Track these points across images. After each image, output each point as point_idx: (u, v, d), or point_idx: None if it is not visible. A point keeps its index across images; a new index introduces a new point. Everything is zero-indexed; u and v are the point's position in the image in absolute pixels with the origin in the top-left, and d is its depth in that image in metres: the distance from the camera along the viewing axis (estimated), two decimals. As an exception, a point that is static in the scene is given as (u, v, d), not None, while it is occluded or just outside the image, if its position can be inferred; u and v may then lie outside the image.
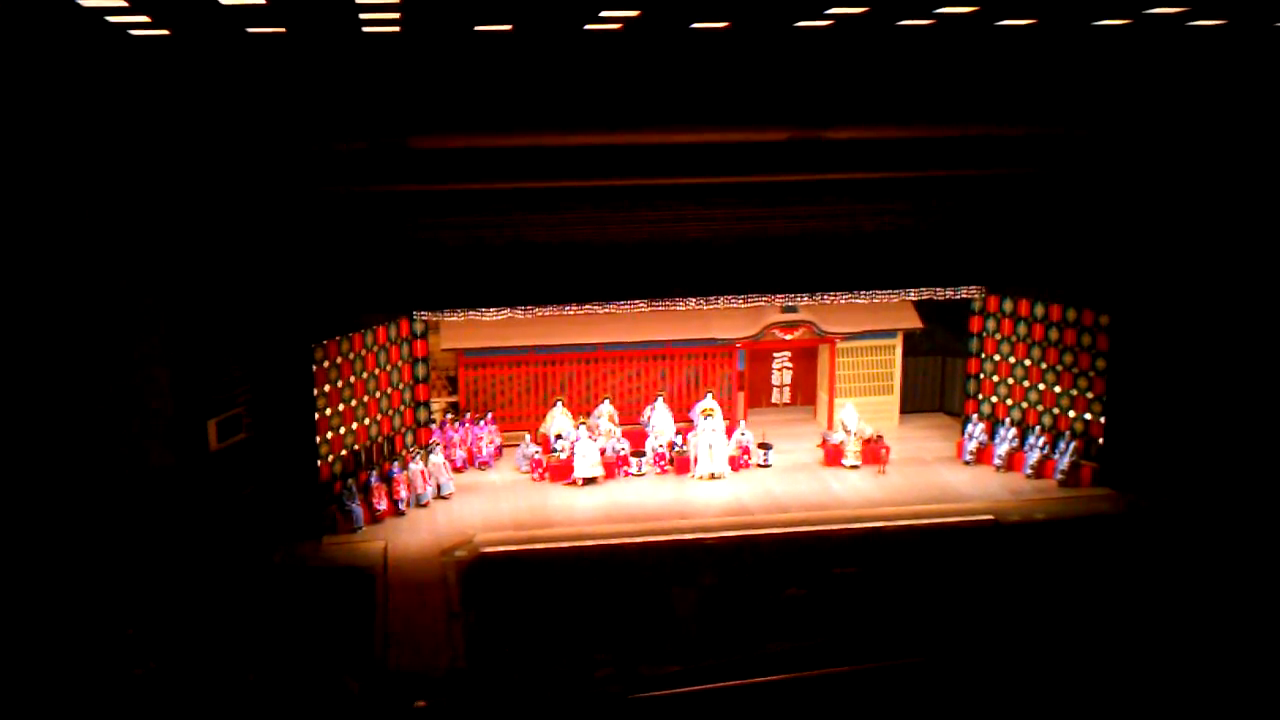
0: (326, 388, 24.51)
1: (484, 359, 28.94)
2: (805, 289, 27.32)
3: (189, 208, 21.18)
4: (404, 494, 25.53)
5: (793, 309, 28.73)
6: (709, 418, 27.76)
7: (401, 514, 25.38)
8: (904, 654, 19.52)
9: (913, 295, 28.31)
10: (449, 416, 28.53)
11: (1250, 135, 22.87)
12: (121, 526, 20.73)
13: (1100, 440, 26.66)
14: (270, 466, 23.35)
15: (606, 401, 28.56)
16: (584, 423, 27.86)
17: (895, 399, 30.70)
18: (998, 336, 28.54)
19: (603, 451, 27.34)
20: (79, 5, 13.97)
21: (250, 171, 21.44)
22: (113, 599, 20.02)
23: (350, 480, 24.85)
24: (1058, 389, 27.43)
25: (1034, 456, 27.33)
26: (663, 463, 27.90)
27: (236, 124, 20.09)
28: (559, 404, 28.42)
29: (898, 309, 29.54)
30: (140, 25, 15.77)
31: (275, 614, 20.64)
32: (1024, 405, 28.17)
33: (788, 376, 31.21)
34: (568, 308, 26.73)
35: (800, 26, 17.37)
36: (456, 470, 27.35)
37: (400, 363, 26.77)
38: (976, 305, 28.73)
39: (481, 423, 28.34)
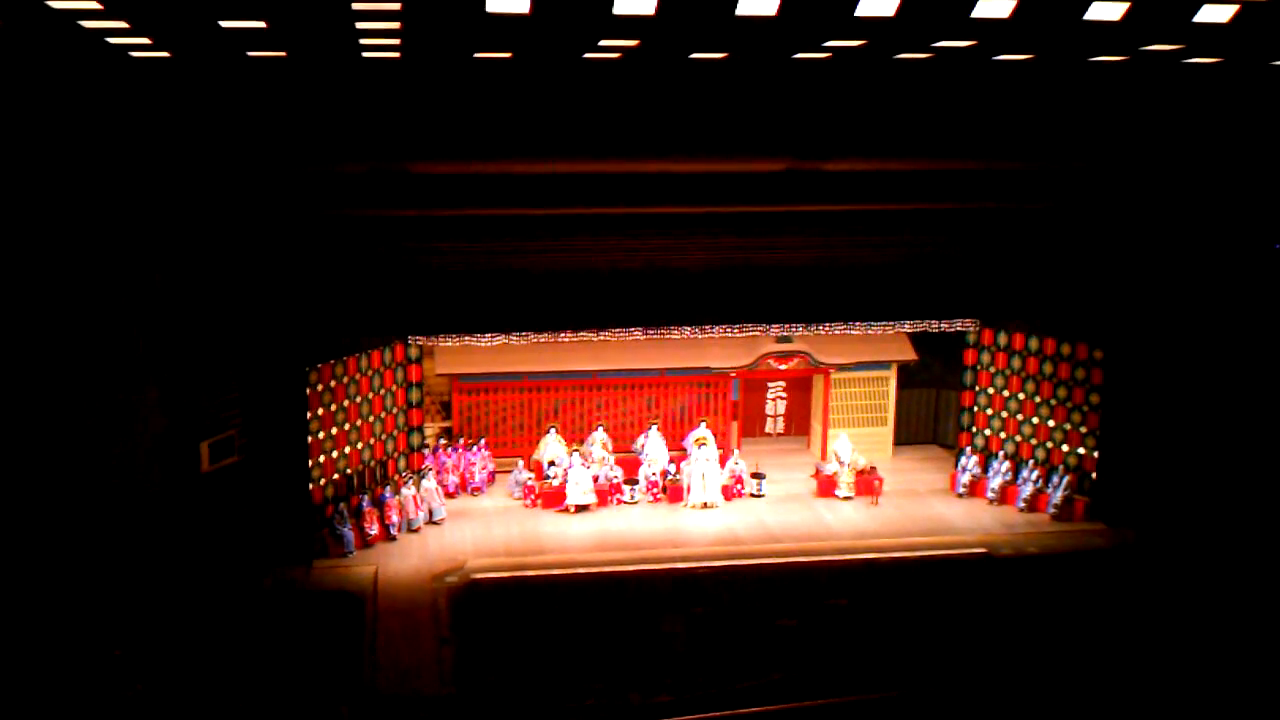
0: (320, 411, 24.50)
1: (478, 384, 28.91)
2: (800, 319, 27.34)
3: (186, 229, 21.19)
4: (396, 519, 25.46)
5: (788, 339, 28.78)
6: (702, 447, 27.75)
7: (393, 539, 25.30)
8: (895, 686, 19.48)
9: (908, 327, 28.35)
10: (442, 441, 28.49)
11: (1245, 172, 22.97)
12: (111, 547, 20.66)
13: (1093, 475, 26.67)
14: (262, 489, 23.28)
15: (600, 429, 28.54)
16: (577, 450, 27.84)
17: (889, 430, 30.70)
18: (992, 369, 28.58)
19: (596, 479, 27.31)
20: (80, 27, 14.01)
21: (248, 194, 21.46)
22: (102, 619, 19.94)
23: (342, 504, 24.80)
24: (1051, 423, 27.45)
25: (1027, 490, 27.32)
26: (655, 491, 27.87)
27: (235, 146, 20.12)
28: (552, 430, 28.39)
29: (892, 341, 29.59)
30: (141, 48, 15.80)
31: (265, 638, 20.56)
32: (1018, 438, 28.18)
33: (782, 406, 31.22)
34: (563, 335, 26.76)
35: (799, 58, 17.44)
36: (449, 496, 27.31)
37: (394, 387, 26.77)
38: (971, 338, 28.77)
39: (475, 448, 28.31)
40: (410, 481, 26.10)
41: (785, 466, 29.68)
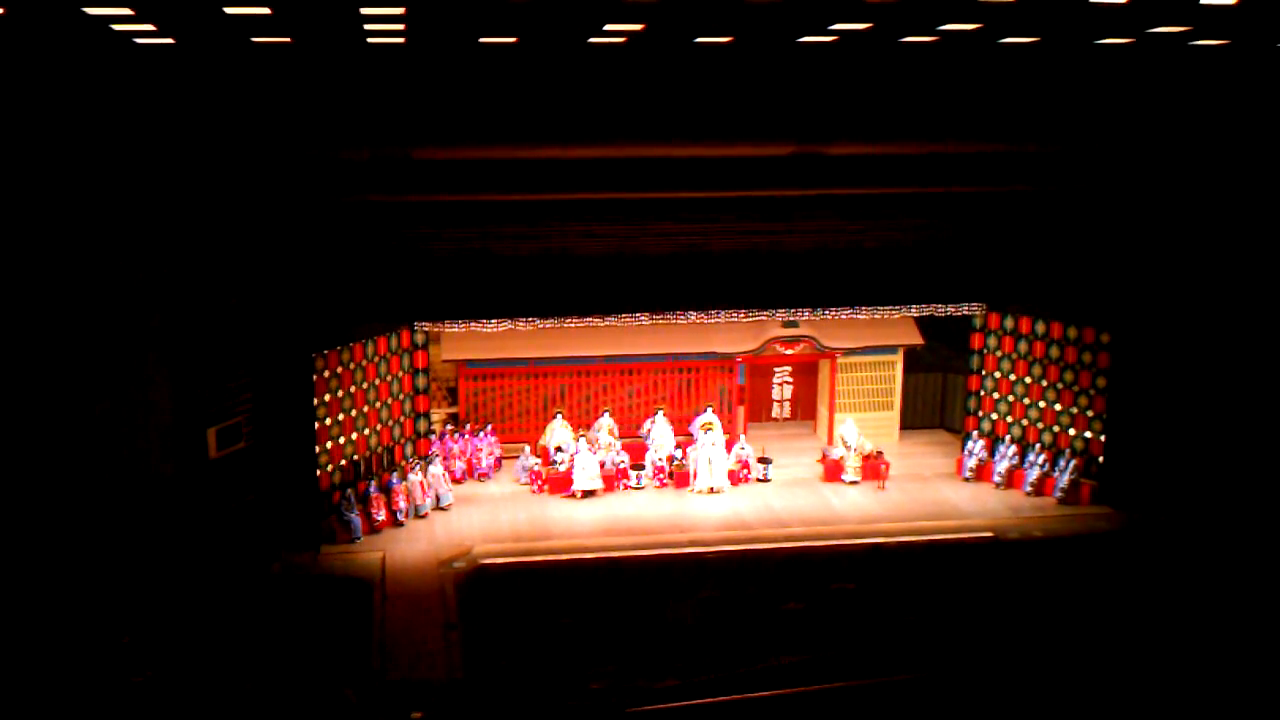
0: (327, 397, 24.53)
1: (484, 370, 28.94)
2: (807, 304, 27.33)
3: (192, 216, 21.21)
4: (403, 505, 25.51)
5: (794, 324, 28.76)
6: (709, 432, 27.77)
7: (400, 525, 25.36)
8: (902, 670, 19.51)
9: (914, 311, 28.33)
10: (449, 428, 28.52)
11: (1251, 154, 22.91)
12: (120, 534, 20.71)
13: (1100, 458, 26.66)
14: (269, 476, 23.34)
15: (606, 414, 28.57)
16: (584, 435, 27.86)
17: (895, 415, 30.70)
18: (999, 353, 28.55)
19: (602, 464, 27.33)
20: (84, 13, 14.00)
21: (253, 181, 21.46)
22: (110, 606, 20.00)
23: (349, 490, 24.83)
24: (1058, 406, 27.43)
25: (1034, 474, 27.32)
26: (662, 476, 27.90)
27: (240, 133, 20.11)
28: (559, 416, 28.42)
29: (899, 325, 29.56)
30: (145, 34, 15.80)
31: (273, 624, 20.62)
32: (1024, 422, 28.17)
33: (788, 391, 31.22)
34: (568, 320, 26.77)
35: (804, 42, 17.40)
36: (455, 481, 27.35)
37: (400, 373, 26.79)
38: (978, 322, 28.74)
39: (481, 434, 28.34)
40: (417, 467, 26.15)
41: (792, 451, 29.70)
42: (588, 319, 26.86)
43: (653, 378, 29.60)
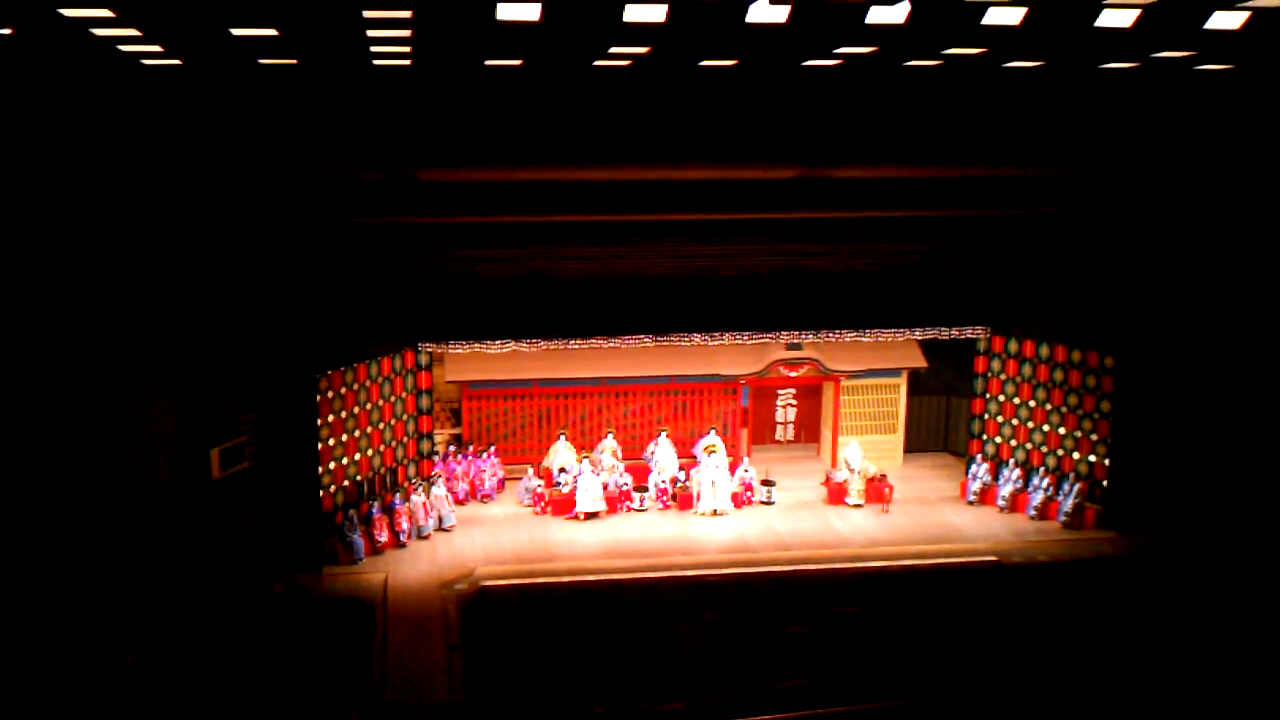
0: (330, 418, 24.52)
1: (488, 391, 28.93)
2: (810, 327, 27.34)
3: (197, 236, 21.24)
4: (405, 526, 25.47)
5: (797, 346, 28.74)
6: (712, 454, 27.73)
7: (402, 546, 25.32)
8: (906, 694, 19.43)
9: (918, 334, 28.33)
10: (452, 449, 28.49)
11: (1255, 179, 22.92)
12: (122, 553, 20.69)
13: (1104, 482, 26.60)
14: (272, 496, 23.30)
15: (610, 436, 28.53)
16: (587, 457, 27.82)
17: (899, 438, 30.65)
18: (1002, 377, 28.53)
19: (605, 486, 27.30)
20: (92, 34, 14.05)
21: (258, 201, 21.51)
22: (112, 625, 19.96)
23: (352, 511, 24.80)
24: (1062, 430, 27.39)
25: (1038, 498, 27.26)
26: (665, 498, 27.85)
27: (246, 154, 20.16)
28: (562, 438, 28.39)
29: (903, 348, 29.53)
30: (152, 55, 15.85)
31: (275, 644, 20.57)
32: (1028, 446, 28.13)
33: (792, 414, 31.18)
34: (572, 342, 26.76)
35: (809, 65, 17.44)
36: (458, 503, 27.31)
37: (404, 394, 26.79)
38: (982, 345, 28.73)
39: (484, 455, 28.31)
40: (420, 488, 26.11)
41: (795, 474, 29.66)
42: (592, 340, 26.84)
43: (658, 399, 29.57)
